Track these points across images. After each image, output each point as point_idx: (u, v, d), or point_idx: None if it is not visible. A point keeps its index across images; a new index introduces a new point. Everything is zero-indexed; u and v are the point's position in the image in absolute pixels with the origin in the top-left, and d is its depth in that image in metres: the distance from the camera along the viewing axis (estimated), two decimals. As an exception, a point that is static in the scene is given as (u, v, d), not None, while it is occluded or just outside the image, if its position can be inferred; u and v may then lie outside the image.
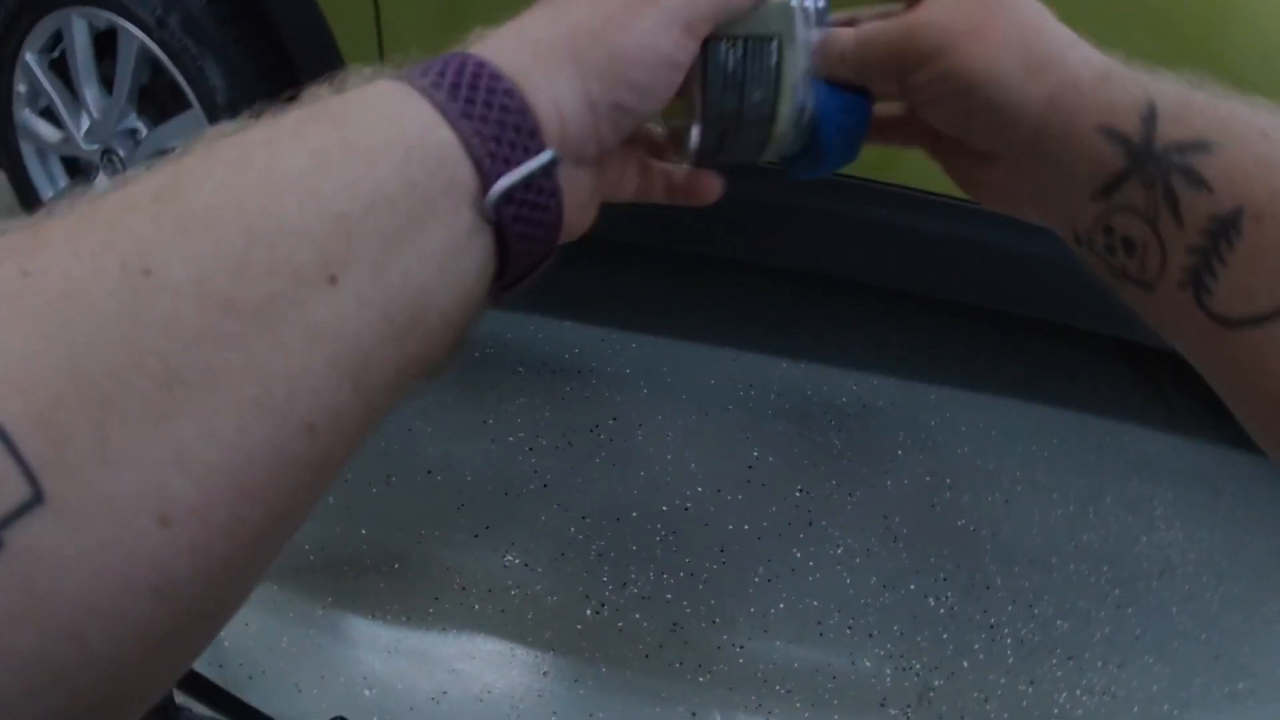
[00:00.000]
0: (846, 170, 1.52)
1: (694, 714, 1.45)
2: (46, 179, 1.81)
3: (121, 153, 1.68)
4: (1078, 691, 1.61)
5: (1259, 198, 0.31)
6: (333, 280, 0.26)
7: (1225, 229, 0.32)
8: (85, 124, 1.70)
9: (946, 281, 1.73)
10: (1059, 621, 1.69)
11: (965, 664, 1.60)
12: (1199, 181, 0.32)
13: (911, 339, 2.03)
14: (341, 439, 0.27)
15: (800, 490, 1.73)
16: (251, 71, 1.53)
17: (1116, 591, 1.76)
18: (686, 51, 0.36)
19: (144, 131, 1.67)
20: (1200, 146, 0.32)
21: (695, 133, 0.41)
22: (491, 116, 0.30)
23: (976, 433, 1.88)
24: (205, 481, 0.23)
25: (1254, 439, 0.35)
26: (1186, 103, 0.34)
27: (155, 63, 1.57)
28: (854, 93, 0.41)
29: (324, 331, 0.25)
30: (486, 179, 0.29)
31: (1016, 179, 0.39)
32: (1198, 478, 1.95)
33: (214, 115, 1.56)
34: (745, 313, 2.00)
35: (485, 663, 1.47)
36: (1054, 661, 1.64)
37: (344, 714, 1.33)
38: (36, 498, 0.21)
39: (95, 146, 1.70)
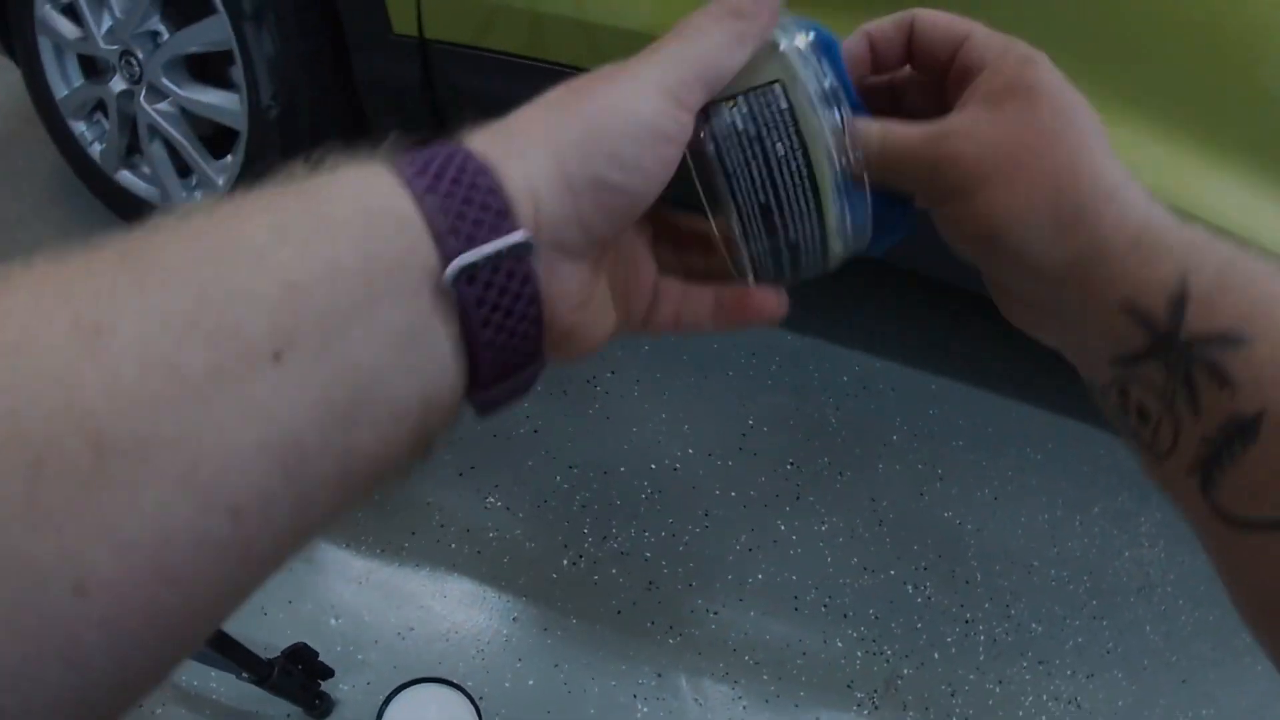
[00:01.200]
0: None
1: (660, 675, 1.44)
2: (61, 77, 1.75)
3: (140, 55, 1.63)
4: (1044, 697, 1.61)
5: None
6: (277, 357, 0.24)
7: (1243, 430, 0.30)
8: (107, 23, 1.64)
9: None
10: (1033, 625, 1.68)
11: (936, 655, 1.59)
12: (1224, 379, 0.30)
13: (921, 329, 2.00)
14: (269, 529, 0.25)
15: (791, 464, 1.71)
16: (280, -26, 1.49)
17: (1094, 602, 1.75)
18: (672, 119, 0.33)
19: (165, 35, 1.62)
20: (1229, 341, 0.30)
21: (735, 225, 0.37)
22: (458, 194, 0.28)
23: (973, 428, 1.86)
24: (124, 556, 0.22)
25: (1250, 632, 0.33)
26: (1221, 284, 0.31)
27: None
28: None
29: (259, 410, 0.24)
30: (447, 256, 0.27)
31: (1038, 318, 0.38)
32: (1187, 499, 1.95)
33: (238, 21, 1.51)
34: (754, 282, 1.97)
35: (455, 602, 1.45)
36: (1024, 664, 1.63)
37: (306, 640, 1.31)
38: None
39: (114, 47, 1.64)
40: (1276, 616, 0.31)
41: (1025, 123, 0.33)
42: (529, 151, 0.30)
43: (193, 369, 0.23)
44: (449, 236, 0.27)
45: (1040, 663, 1.64)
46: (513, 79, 1.49)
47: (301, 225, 0.26)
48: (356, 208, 0.27)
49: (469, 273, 0.28)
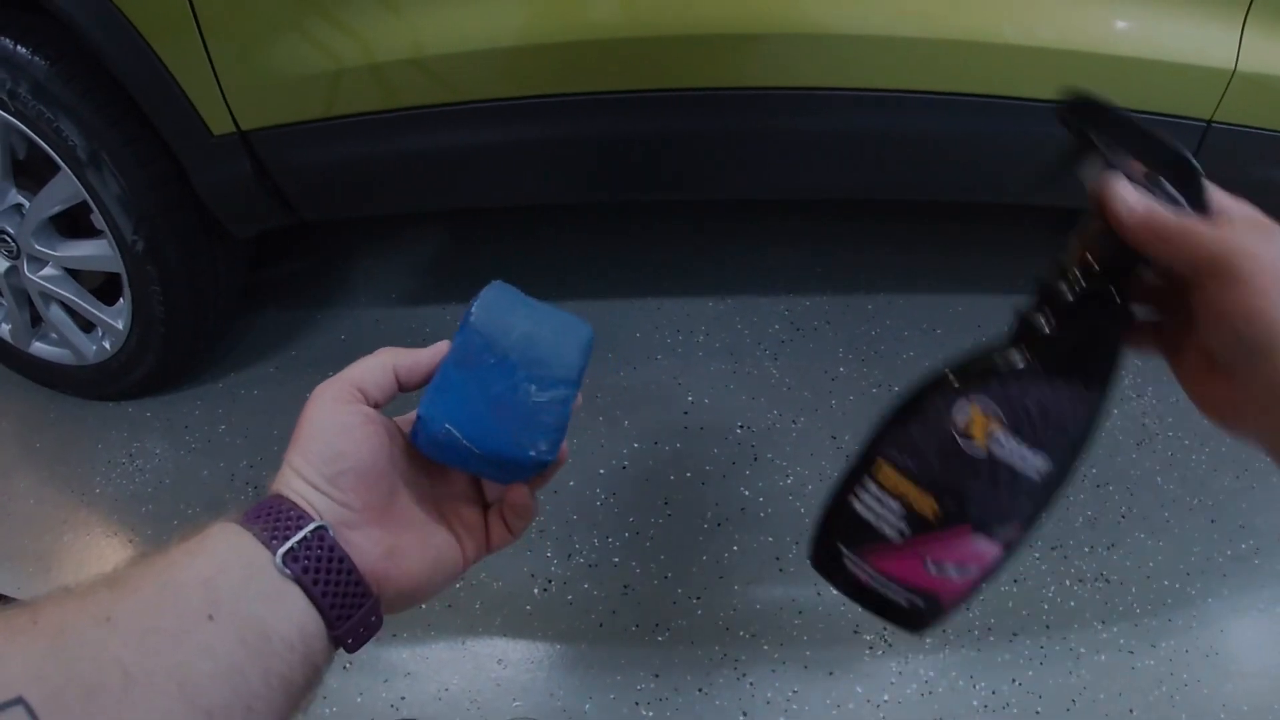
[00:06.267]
0: (737, 83, 1.42)
1: (657, 675, 1.40)
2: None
3: (11, 230, 1.66)
4: (1067, 582, 1.53)
5: None
6: (210, 617, 0.42)
7: None
8: (-29, 212, 1.68)
9: (863, 180, 1.66)
10: (1035, 513, 1.61)
11: (939, 574, 1.53)
12: None
13: (839, 253, 1.95)
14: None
15: (741, 427, 1.67)
16: (104, 122, 1.51)
17: (1093, 470, 1.67)
18: (352, 415, 0.50)
19: (27, 205, 1.65)
20: None
21: None
22: (268, 516, 0.47)
23: (920, 335, 1.80)
24: None
25: None
26: None
27: (25, 135, 1.55)
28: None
29: (207, 649, 0.41)
30: (272, 550, 0.45)
31: (1245, 400, 0.44)
32: (1164, 338, 1.85)
33: (80, 171, 1.53)
34: (663, 260, 1.93)
35: (439, 662, 1.44)
36: (1036, 555, 1.56)
37: (303, 736, 1.31)
38: None
39: None
40: None
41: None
42: (291, 479, 0.49)
43: (169, 630, 0.41)
44: (273, 541, 0.45)
45: (1053, 548, 1.57)
46: (367, 138, 1.49)
47: (208, 578, 0.44)
48: (237, 557, 0.45)
49: (291, 555, 0.45)
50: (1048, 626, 1.47)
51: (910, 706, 1.38)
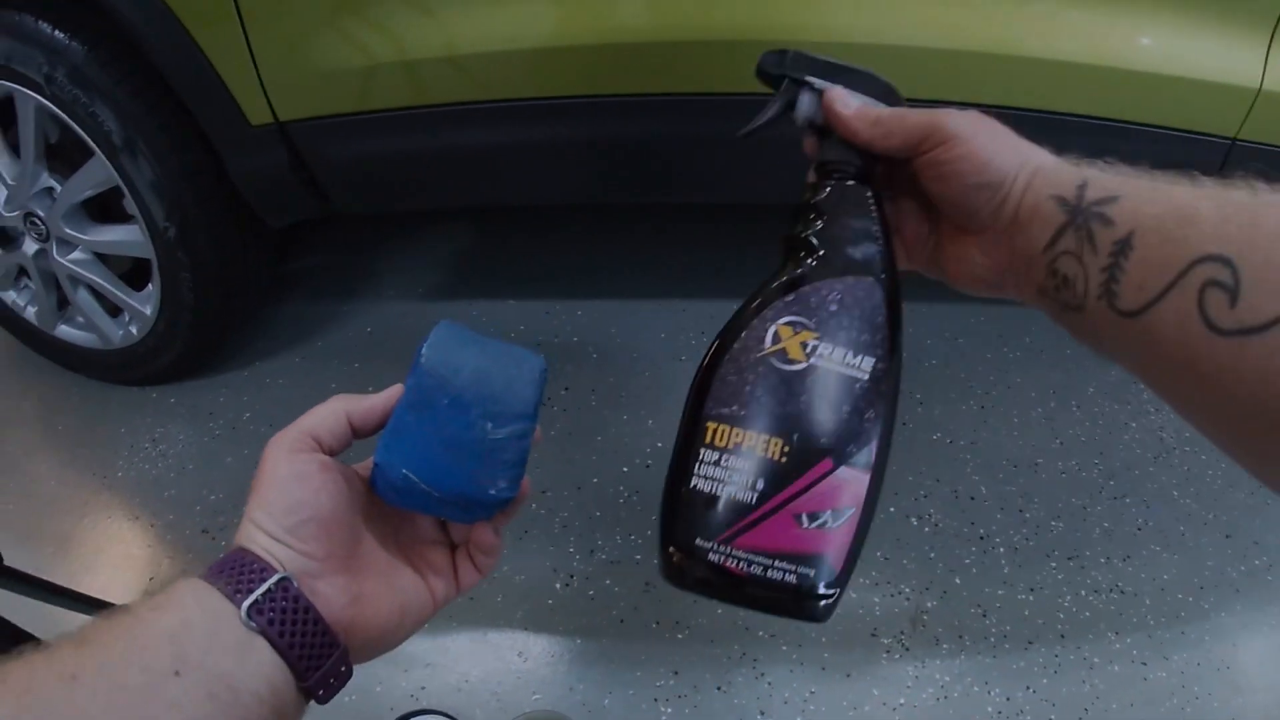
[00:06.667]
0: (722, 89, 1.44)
1: (677, 672, 1.42)
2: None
3: (41, 213, 1.67)
4: (1082, 592, 1.55)
5: (1144, 222, 0.44)
6: (177, 673, 0.41)
7: (1123, 247, 0.44)
8: (2, 194, 1.69)
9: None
10: (1053, 523, 1.63)
11: (958, 580, 1.54)
12: (1108, 220, 0.45)
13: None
14: None
15: (763, 430, 1.68)
16: (141, 109, 1.52)
17: (1111, 483, 1.68)
18: (308, 463, 0.50)
19: (58, 188, 1.66)
20: (1109, 199, 0.45)
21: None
22: (231, 570, 0.46)
23: (943, 344, 1.81)
24: None
25: (1167, 403, 0.46)
26: (1102, 174, 0.47)
27: (59, 119, 1.56)
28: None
29: (174, 705, 0.41)
30: (236, 604, 0.45)
31: (994, 249, 0.52)
32: (1183, 353, 1.87)
33: (114, 156, 1.54)
34: (687, 261, 1.95)
35: (460, 653, 1.45)
36: (1053, 565, 1.58)
37: (324, 724, 1.32)
38: None
39: (16, 213, 1.69)
40: (1174, 380, 0.43)
41: (983, 119, 0.52)
42: (252, 532, 0.48)
43: (136, 687, 0.41)
44: (236, 594, 0.45)
45: (1070, 559, 1.59)
46: (401, 132, 1.50)
47: (173, 633, 0.43)
48: (202, 612, 0.45)
49: (256, 607, 0.45)
50: (1062, 636, 1.48)
51: (925, 710, 1.39)
